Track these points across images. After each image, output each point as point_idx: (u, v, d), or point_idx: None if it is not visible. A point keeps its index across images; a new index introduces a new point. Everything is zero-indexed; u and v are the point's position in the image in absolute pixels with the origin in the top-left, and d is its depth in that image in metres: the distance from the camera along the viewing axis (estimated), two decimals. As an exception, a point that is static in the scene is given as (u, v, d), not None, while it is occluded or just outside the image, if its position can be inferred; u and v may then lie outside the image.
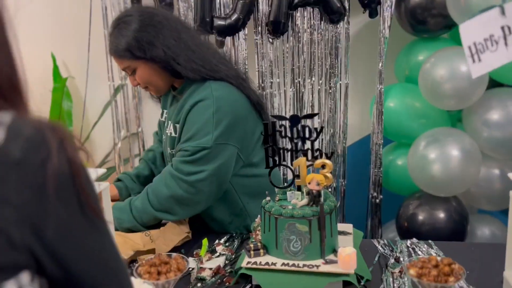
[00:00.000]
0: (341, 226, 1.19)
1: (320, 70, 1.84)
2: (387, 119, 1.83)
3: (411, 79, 1.84)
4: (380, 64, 1.77)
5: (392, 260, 1.16)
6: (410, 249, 1.23)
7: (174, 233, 1.27)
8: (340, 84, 1.87)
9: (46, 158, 0.46)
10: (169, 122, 1.35)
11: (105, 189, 0.98)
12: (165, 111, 1.44)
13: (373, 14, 1.74)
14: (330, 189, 1.97)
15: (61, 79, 2.22)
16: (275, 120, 1.13)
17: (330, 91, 1.87)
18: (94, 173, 0.93)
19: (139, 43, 1.22)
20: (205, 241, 1.22)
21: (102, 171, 0.96)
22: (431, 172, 1.65)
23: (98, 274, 0.52)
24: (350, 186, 2.01)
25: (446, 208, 1.72)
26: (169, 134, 1.35)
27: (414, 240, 1.26)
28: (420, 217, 1.74)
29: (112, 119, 2.12)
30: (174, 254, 0.96)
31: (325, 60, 1.83)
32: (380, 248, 1.23)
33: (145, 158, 1.55)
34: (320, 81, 1.85)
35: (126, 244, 1.20)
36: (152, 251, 1.22)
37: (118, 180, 1.51)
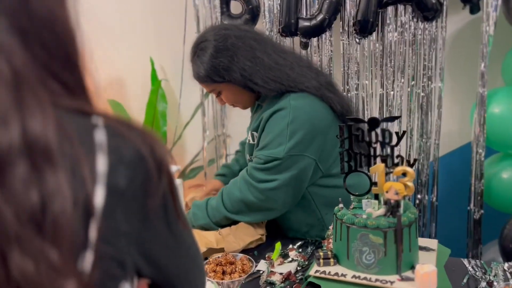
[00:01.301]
0: (424, 241, 1.08)
1: (412, 72, 1.71)
2: (490, 126, 1.64)
3: (521, 82, 1.63)
4: (483, 65, 1.59)
5: (483, 284, 1.02)
6: (507, 273, 1.07)
7: (247, 234, 1.27)
8: (434, 87, 1.72)
9: (147, 184, 0.45)
10: (249, 131, 1.38)
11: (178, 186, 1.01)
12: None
13: (475, 9, 1.57)
14: (419, 201, 1.82)
15: (157, 81, 2.37)
16: (351, 123, 1.06)
17: (423, 94, 1.73)
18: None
19: (216, 69, 1.25)
20: (278, 245, 1.20)
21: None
22: (541, 188, 1.44)
23: (188, 274, 0.56)
24: (445, 199, 1.83)
25: (561, 231, 1.49)
26: (247, 141, 1.39)
27: (514, 263, 1.10)
28: (528, 238, 1.52)
29: (201, 121, 2.21)
30: (240, 255, 0.96)
31: (418, 61, 1.70)
32: (471, 269, 1.09)
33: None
34: (412, 84, 1.72)
35: (200, 241, 1.23)
36: (223, 249, 1.23)
37: (221, 175, 1.60)
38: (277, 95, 1.28)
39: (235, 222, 1.29)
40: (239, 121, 2.24)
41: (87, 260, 0.41)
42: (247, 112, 2.09)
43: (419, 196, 1.82)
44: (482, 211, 1.71)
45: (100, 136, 0.43)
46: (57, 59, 0.42)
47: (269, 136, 1.24)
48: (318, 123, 1.24)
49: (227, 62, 1.24)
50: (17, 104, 0.38)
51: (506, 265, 1.10)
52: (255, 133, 1.33)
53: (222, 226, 1.29)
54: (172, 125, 2.42)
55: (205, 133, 2.21)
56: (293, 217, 1.35)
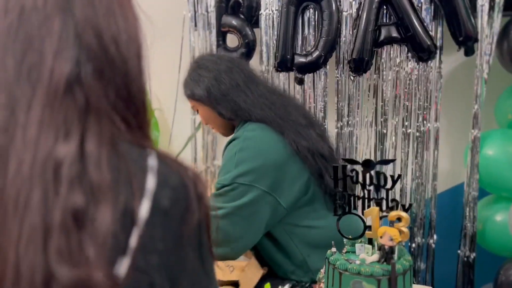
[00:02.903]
0: (418, 289, 1.04)
1: (405, 111, 1.70)
2: (484, 168, 1.62)
3: (515, 125, 1.63)
4: (476, 107, 1.60)
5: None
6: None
7: (254, 273, 1.25)
8: (429, 127, 1.71)
9: (186, 209, 0.50)
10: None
11: None
12: None
13: (469, 52, 1.58)
14: (415, 245, 1.78)
15: (151, 110, 2.36)
16: (346, 163, 1.04)
17: (417, 134, 1.72)
18: None
19: (190, 83, 1.36)
20: (267, 286, 1.16)
21: None
22: (537, 233, 1.41)
23: None
24: (437, 242, 1.79)
25: (557, 278, 1.45)
26: None
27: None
28: (523, 285, 1.49)
29: (192, 153, 2.18)
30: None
31: (412, 101, 1.70)
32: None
33: None
34: (406, 123, 1.71)
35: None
36: (229, 283, 1.22)
37: None
38: (240, 124, 1.31)
39: None
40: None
41: (124, 265, 0.45)
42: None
43: (416, 239, 1.78)
44: (474, 254, 1.67)
45: (152, 161, 0.50)
46: (124, 100, 0.50)
47: (222, 165, 1.27)
48: (269, 156, 1.23)
49: (196, 78, 1.34)
50: (81, 124, 0.46)
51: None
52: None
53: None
54: (163, 155, 2.39)
55: (195, 164, 2.18)
56: (277, 257, 1.31)
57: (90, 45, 0.48)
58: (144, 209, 0.47)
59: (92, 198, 0.44)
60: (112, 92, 0.49)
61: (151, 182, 0.49)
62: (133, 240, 0.46)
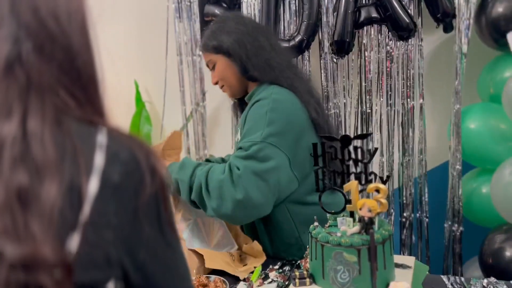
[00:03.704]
0: (401, 258, 1.08)
1: (389, 90, 1.73)
2: (467, 142, 1.66)
3: (496, 99, 1.65)
4: (457, 83, 1.62)
5: (461, 301, 1.02)
6: (485, 289, 1.07)
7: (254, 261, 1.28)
8: (414, 104, 1.74)
9: (139, 182, 0.50)
10: (238, 129, 1.37)
11: None
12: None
13: (448, 28, 1.61)
14: (406, 220, 1.82)
15: (141, 103, 2.38)
16: (324, 141, 1.07)
17: (402, 112, 1.75)
18: None
19: (220, 35, 1.31)
20: (258, 267, 1.19)
21: None
22: (519, 202, 1.45)
23: (171, 283, 0.57)
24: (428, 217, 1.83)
25: (540, 245, 1.49)
26: (236, 140, 1.37)
27: (492, 279, 1.10)
28: (508, 253, 1.53)
29: (185, 143, 2.21)
30: (213, 277, 0.94)
31: (395, 80, 1.72)
32: (450, 286, 1.09)
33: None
34: (390, 102, 1.74)
35: (215, 261, 1.22)
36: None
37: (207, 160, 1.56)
38: (262, 88, 1.29)
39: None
40: (221, 142, 2.25)
41: (74, 240, 0.45)
42: (229, 134, 2.10)
43: (404, 214, 1.82)
44: (462, 229, 1.71)
45: (101, 138, 0.50)
46: (69, 76, 0.49)
47: (249, 125, 1.24)
48: (294, 121, 1.24)
49: (232, 33, 1.30)
50: (22, 102, 0.45)
51: (485, 281, 1.10)
52: (239, 129, 1.32)
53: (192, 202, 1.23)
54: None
55: (188, 155, 2.20)
56: (273, 235, 1.33)
57: (27, 21, 0.47)
58: (93, 186, 0.47)
59: (36, 176, 0.44)
60: (55, 68, 0.48)
61: (99, 158, 0.48)
62: (83, 216, 0.46)
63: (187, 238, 1.27)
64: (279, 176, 1.19)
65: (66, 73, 0.49)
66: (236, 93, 1.40)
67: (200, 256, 1.22)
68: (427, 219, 1.80)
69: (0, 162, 0.43)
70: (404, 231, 1.81)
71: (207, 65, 1.39)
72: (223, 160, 1.53)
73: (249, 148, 1.17)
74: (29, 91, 0.46)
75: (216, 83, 1.39)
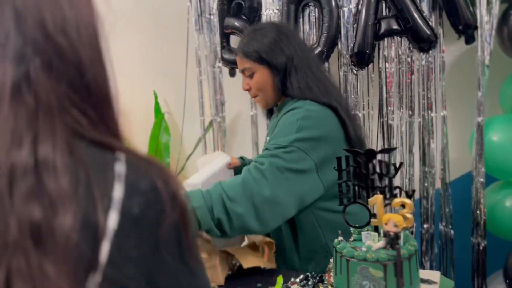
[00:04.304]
0: (426, 274, 1.07)
1: (409, 101, 1.72)
2: (490, 154, 1.63)
3: (519, 110, 1.63)
4: (480, 94, 1.61)
5: (488, 318, 1.00)
6: (513, 306, 1.05)
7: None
8: (435, 116, 1.72)
9: (160, 212, 0.48)
10: (267, 138, 1.38)
11: None
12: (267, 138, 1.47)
13: (470, 40, 1.60)
14: (425, 232, 1.80)
15: (161, 114, 2.41)
16: (349, 154, 1.07)
17: (423, 123, 1.74)
18: None
19: (270, 48, 1.30)
20: (279, 279, 1.18)
21: None
22: (545, 216, 1.42)
23: None
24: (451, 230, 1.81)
25: None
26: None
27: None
28: (534, 268, 1.49)
29: (203, 153, 2.22)
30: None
31: (417, 91, 1.72)
32: (476, 302, 1.07)
33: None
34: (411, 113, 1.73)
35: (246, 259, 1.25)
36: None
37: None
38: (295, 101, 1.29)
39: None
40: (240, 152, 2.26)
41: (93, 281, 0.43)
42: (248, 144, 2.11)
43: (425, 225, 1.80)
44: (485, 242, 1.68)
45: (120, 168, 0.47)
46: (79, 93, 0.46)
47: (279, 129, 1.24)
48: (328, 130, 1.24)
49: (282, 45, 1.29)
50: (32, 127, 0.43)
51: (511, 296, 1.08)
52: (268, 138, 1.34)
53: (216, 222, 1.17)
54: (175, 157, 2.44)
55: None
56: (299, 241, 1.32)
57: (34, 37, 0.44)
58: (112, 221, 0.45)
59: (50, 210, 0.41)
60: (64, 86, 0.45)
61: (118, 190, 0.46)
62: (103, 255, 0.43)
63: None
64: (302, 179, 1.20)
65: (76, 90, 0.46)
66: (269, 104, 1.40)
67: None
68: (452, 231, 1.77)
69: (12, 195, 0.40)
70: (424, 243, 1.78)
71: (242, 71, 1.37)
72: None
73: (274, 149, 1.19)
74: (38, 113, 0.43)
75: (247, 90, 1.39)
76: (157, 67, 2.46)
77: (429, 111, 1.71)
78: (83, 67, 0.47)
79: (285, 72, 1.29)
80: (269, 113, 1.55)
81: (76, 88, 0.46)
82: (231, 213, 1.14)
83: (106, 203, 0.45)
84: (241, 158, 1.58)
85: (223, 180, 1.22)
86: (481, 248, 1.69)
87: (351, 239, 1.06)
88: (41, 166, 0.42)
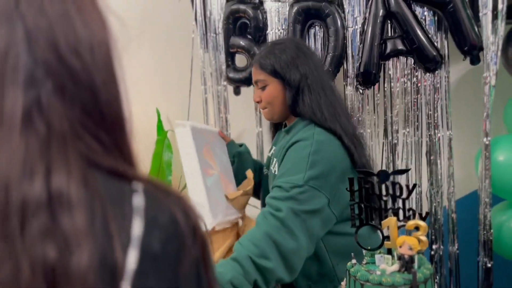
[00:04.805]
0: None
1: (415, 121, 1.73)
2: (496, 174, 1.63)
3: (524, 130, 1.64)
4: (485, 115, 1.61)
5: None
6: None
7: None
8: (442, 135, 1.72)
9: (181, 248, 0.46)
10: (274, 159, 1.37)
11: None
12: (274, 147, 1.47)
13: (475, 61, 1.61)
14: (437, 254, 1.78)
15: (164, 132, 2.40)
16: (361, 175, 1.06)
17: (429, 143, 1.74)
18: None
19: (286, 63, 1.31)
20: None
21: None
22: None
23: None
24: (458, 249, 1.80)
25: None
26: (273, 171, 1.36)
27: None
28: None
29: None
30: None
31: (423, 111, 1.72)
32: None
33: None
34: (417, 133, 1.73)
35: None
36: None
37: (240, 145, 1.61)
38: (304, 125, 1.30)
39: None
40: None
41: None
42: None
43: (434, 246, 1.78)
44: (492, 262, 1.67)
45: (139, 200, 0.45)
46: (93, 117, 0.44)
47: (289, 164, 1.24)
48: (336, 163, 1.24)
49: (298, 63, 1.30)
50: (44, 157, 0.40)
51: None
52: (275, 160, 1.33)
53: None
54: (177, 175, 2.43)
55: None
56: (306, 264, 1.31)
57: (46, 59, 0.42)
58: (131, 259, 0.42)
59: (65, 248, 0.38)
60: (77, 110, 0.43)
61: (137, 227, 0.43)
62: None
63: (211, 200, 1.26)
64: (318, 218, 1.19)
65: (89, 115, 0.44)
66: (275, 118, 1.40)
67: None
68: (457, 252, 1.75)
69: (24, 234, 0.37)
70: (433, 264, 1.77)
71: (256, 82, 1.38)
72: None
73: (290, 189, 1.17)
74: (50, 142, 0.41)
75: (257, 102, 1.40)
76: (160, 85, 2.47)
77: (436, 131, 1.71)
78: (96, 90, 0.45)
79: (298, 89, 1.29)
80: (274, 130, 1.55)
81: (90, 112, 0.44)
82: (263, 270, 1.12)
83: (125, 240, 0.42)
84: (241, 145, 1.60)
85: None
86: (487, 267, 1.67)
87: (364, 262, 1.04)
88: (55, 201, 0.39)
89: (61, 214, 0.39)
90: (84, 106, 0.43)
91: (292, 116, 1.37)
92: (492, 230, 1.65)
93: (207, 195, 1.23)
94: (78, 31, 0.44)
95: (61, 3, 0.44)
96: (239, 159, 1.57)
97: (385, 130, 1.76)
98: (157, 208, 0.45)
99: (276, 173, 1.33)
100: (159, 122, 2.42)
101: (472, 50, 1.59)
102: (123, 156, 0.47)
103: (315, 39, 1.77)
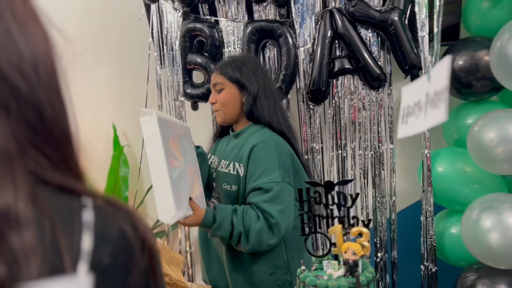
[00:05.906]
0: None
1: (362, 135, 1.83)
2: (437, 184, 1.76)
3: (461, 143, 1.78)
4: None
5: None
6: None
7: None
8: (385, 148, 1.84)
9: (130, 260, 0.46)
10: (222, 160, 1.46)
11: None
12: (213, 156, 1.55)
13: (415, 79, 1.74)
14: (380, 260, 1.87)
15: (120, 147, 2.39)
16: (309, 186, 1.13)
17: (374, 155, 1.85)
18: None
19: (246, 72, 1.43)
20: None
21: None
22: (487, 242, 1.54)
23: None
24: (401, 257, 1.90)
25: (509, 282, 1.57)
26: (226, 170, 1.43)
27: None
28: (480, 291, 1.60)
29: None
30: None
31: (368, 125, 1.83)
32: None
33: None
34: (364, 146, 1.84)
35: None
36: None
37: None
38: (256, 129, 1.42)
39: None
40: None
41: None
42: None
43: (379, 254, 1.88)
44: (436, 268, 1.78)
45: (88, 216, 0.45)
46: (39, 134, 0.44)
47: (262, 166, 1.34)
48: (293, 161, 1.40)
49: (256, 73, 1.44)
50: None
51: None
52: (241, 164, 1.39)
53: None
54: (133, 190, 2.42)
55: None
56: (261, 255, 1.39)
57: None
58: (81, 274, 0.42)
59: (15, 267, 0.38)
60: (22, 128, 0.43)
61: (87, 242, 0.44)
62: None
63: (175, 192, 1.23)
64: (293, 210, 1.37)
65: (36, 131, 0.43)
66: (227, 121, 1.49)
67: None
68: (396, 259, 1.87)
69: None
70: (379, 270, 1.86)
71: (213, 85, 1.48)
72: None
73: (272, 188, 1.31)
74: None
75: (213, 103, 1.49)
76: (117, 101, 2.46)
77: (380, 144, 1.82)
78: (42, 107, 0.44)
79: (256, 96, 1.42)
80: (220, 136, 1.61)
81: (36, 129, 0.44)
82: (242, 244, 1.33)
83: (74, 255, 0.42)
84: (198, 147, 1.63)
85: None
86: (431, 273, 1.78)
87: (313, 268, 1.10)
88: (2, 219, 0.39)
89: (8, 232, 0.38)
90: (30, 123, 0.43)
91: (242, 121, 1.47)
92: (435, 237, 1.77)
93: (171, 186, 1.20)
94: (21, 47, 0.43)
95: (0, 21, 0.43)
96: (202, 159, 1.61)
97: (335, 143, 1.85)
98: (106, 223, 0.46)
99: (230, 172, 1.41)
100: (115, 137, 2.41)
101: (412, 69, 1.72)
102: (71, 171, 0.47)
103: (269, 57, 1.85)
